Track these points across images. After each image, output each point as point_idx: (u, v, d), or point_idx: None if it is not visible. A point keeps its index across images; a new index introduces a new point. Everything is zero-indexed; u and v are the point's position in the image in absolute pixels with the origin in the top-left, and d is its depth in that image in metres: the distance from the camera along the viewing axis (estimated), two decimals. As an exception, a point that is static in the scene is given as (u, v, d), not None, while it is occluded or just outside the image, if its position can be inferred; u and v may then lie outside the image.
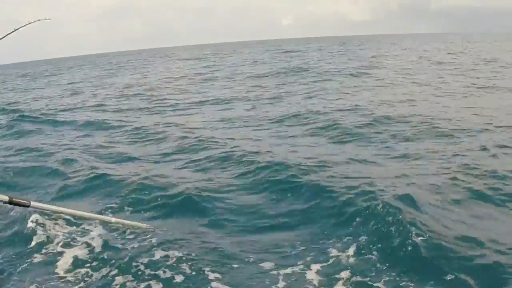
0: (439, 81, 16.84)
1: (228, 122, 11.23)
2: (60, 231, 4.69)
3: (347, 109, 11.61)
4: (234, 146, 8.27)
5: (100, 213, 4.22)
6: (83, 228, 4.62)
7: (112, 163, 8.04)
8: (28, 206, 1.89)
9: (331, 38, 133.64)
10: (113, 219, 1.97)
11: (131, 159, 8.24)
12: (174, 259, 4.07)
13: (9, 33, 3.97)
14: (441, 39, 66.06)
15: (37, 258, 4.27)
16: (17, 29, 4.03)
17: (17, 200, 1.83)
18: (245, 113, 12.41)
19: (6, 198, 1.82)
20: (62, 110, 15.70)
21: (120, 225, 1.86)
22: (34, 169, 7.85)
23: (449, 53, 33.29)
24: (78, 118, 13.43)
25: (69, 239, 4.49)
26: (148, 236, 4.21)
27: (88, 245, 4.25)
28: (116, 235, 4.22)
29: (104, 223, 1.90)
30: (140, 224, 2.08)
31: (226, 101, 14.84)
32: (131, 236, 4.17)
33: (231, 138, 9.18)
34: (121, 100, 17.51)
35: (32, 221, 4.83)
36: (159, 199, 5.66)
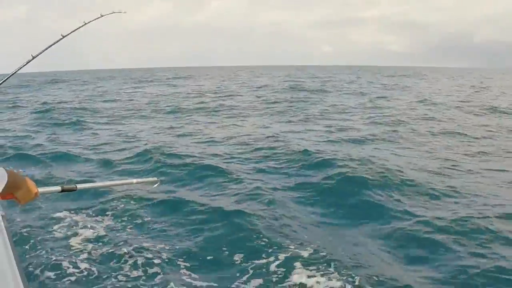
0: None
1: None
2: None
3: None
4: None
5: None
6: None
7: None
8: (76, 190, 2.08)
9: (371, 67, 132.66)
10: (134, 180, 2.41)
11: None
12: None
13: (78, 27, 3.61)
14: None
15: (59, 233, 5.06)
16: (87, 23, 3.68)
17: (67, 187, 2.02)
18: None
19: (59, 188, 2.00)
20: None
21: (140, 184, 2.56)
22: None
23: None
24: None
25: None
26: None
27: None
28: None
29: (128, 185, 2.42)
30: (151, 179, 2.55)
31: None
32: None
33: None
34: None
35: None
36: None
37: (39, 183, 1.96)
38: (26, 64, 3.38)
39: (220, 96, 24.27)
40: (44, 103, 21.00)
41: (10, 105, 20.71)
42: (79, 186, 2.10)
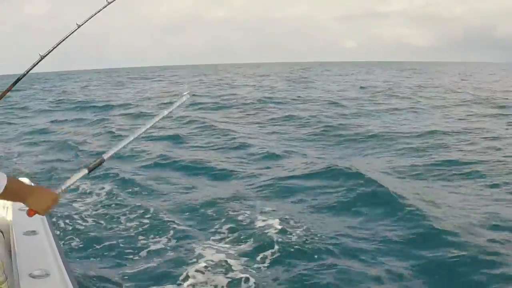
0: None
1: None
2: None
3: None
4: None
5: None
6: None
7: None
8: (103, 161, 1.90)
9: (397, 63, 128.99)
10: (165, 111, 2.10)
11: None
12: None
13: (90, 17, 3.70)
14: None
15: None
16: (97, 12, 3.76)
17: (93, 165, 1.86)
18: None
19: (86, 171, 1.85)
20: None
21: (172, 111, 2.07)
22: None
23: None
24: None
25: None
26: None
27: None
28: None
29: (163, 119, 2.02)
30: (184, 98, 2.18)
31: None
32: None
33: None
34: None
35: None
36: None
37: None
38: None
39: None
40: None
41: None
42: (106, 155, 1.90)
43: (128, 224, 5.31)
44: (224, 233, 4.98)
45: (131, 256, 4.48)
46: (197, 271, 4.11)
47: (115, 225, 5.29)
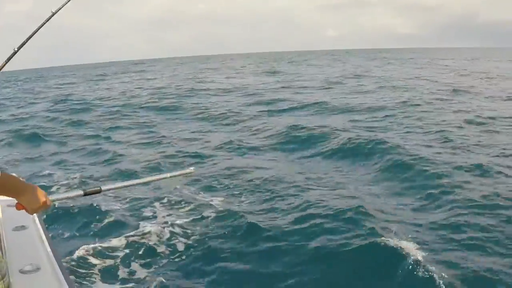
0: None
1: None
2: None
3: None
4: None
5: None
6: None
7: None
8: (100, 192, 2.00)
9: (379, 50, 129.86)
10: (168, 174, 2.23)
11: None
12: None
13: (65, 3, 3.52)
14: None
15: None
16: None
17: (90, 190, 1.96)
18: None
19: (81, 192, 1.93)
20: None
21: (175, 177, 2.26)
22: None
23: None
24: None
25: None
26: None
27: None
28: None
29: (162, 180, 2.22)
30: (188, 170, 2.36)
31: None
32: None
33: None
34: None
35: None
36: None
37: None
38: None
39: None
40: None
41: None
42: (104, 187, 1.97)
43: (120, 217, 5.27)
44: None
45: (122, 250, 4.45)
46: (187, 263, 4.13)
47: (107, 218, 5.23)
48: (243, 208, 5.42)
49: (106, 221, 5.17)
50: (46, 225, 2.54)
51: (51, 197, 1.77)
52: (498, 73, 24.39)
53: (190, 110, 14.54)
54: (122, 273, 4.02)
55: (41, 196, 1.69)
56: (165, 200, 5.77)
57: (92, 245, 4.49)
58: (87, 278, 3.89)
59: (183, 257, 4.30)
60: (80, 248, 4.41)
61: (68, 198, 1.92)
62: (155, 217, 5.30)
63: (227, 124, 11.84)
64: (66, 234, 4.91)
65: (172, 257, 4.33)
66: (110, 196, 5.92)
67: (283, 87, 20.51)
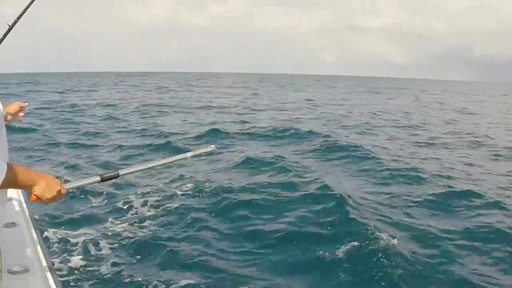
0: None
1: None
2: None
3: None
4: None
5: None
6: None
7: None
8: (118, 176, 1.86)
9: (378, 78, 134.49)
10: (189, 154, 2.12)
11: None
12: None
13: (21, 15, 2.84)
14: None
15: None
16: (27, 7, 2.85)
17: (107, 176, 1.82)
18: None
19: (98, 178, 1.80)
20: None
21: (196, 155, 2.20)
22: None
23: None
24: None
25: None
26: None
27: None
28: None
29: (184, 160, 2.17)
30: (209, 149, 2.23)
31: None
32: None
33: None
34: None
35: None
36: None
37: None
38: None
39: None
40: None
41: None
42: (122, 172, 1.90)
43: (110, 218, 5.34)
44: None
45: (113, 250, 4.44)
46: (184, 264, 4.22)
47: (97, 218, 5.34)
48: (242, 209, 5.70)
49: (92, 220, 5.26)
50: (37, 222, 2.45)
51: (66, 186, 1.68)
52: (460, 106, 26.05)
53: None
54: (110, 273, 3.97)
55: (56, 185, 1.62)
56: (153, 197, 5.99)
57: (82, 243, 4.48)
58: (77, 279, 3.83)
59: (170, 257, 4.33)
60: (70, 246, 4.36)
61: (84, 185, 1.85)
62: (143, 220, 5.30)
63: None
64: (58, 232, 4.82)
65: (164, 256, 4.33)
66: (105, 193, 6.10)
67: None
